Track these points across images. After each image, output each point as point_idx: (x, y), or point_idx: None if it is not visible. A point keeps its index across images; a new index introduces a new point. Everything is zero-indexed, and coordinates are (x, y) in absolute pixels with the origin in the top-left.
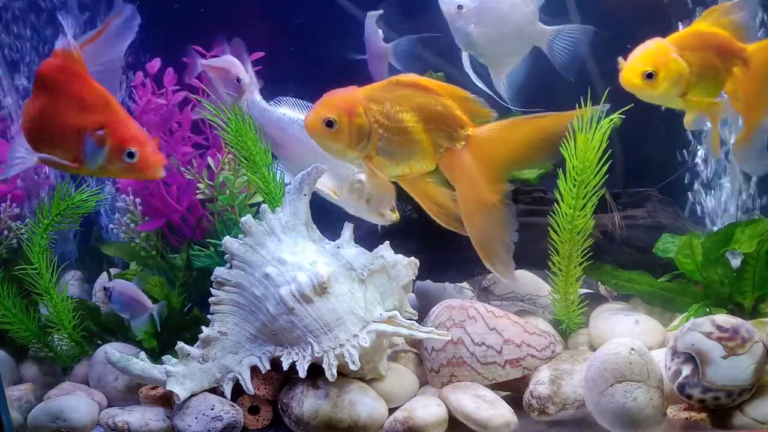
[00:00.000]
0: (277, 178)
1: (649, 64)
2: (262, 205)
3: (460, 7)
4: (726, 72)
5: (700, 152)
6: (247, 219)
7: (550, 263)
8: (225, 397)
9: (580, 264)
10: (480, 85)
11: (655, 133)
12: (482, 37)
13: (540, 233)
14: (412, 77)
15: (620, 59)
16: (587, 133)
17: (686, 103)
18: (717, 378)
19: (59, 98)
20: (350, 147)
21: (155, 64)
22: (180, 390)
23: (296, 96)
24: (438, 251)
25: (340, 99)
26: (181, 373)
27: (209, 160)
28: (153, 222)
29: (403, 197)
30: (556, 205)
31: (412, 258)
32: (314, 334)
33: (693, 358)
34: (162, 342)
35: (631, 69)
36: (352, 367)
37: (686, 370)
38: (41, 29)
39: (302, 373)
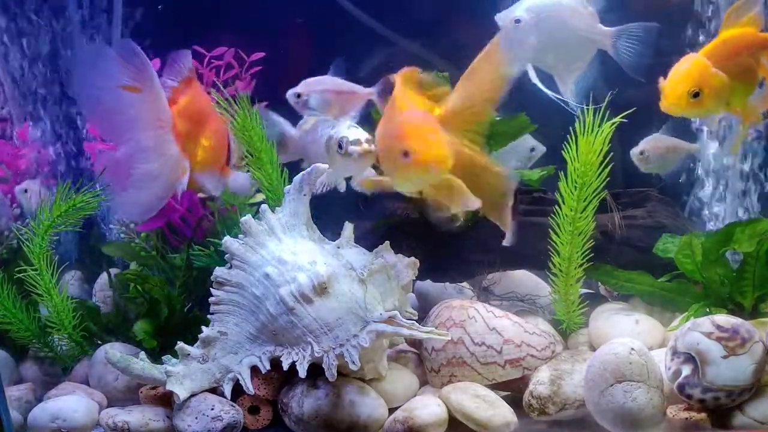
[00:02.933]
0: None
1: (692, 83)
2: (263, 205)
3: (518, 21)
4: (758, 66)
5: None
6: (247, 219)
7: (550, 264)
8: (225, 397)
9: (581, 265)
10: (551, 95)
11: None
12: (544, 47)
13: (540, 233)
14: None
15: (661, 79)
16: (589, 135)
17: (728, 109)
18: (717, 378)
19: None
20: None
21: (155, 63)
22: (180, 390)
23: None
24: (438, 251)
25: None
26: (181, 373)
27: None
28: (153, 222)
29: (402, 197)
30: (557, 206)
31: (412, 258)
32: (314, 334)
33: (693, 358)
34: (162, 342)
35: (675, 91)
36: (352, 367)
37: (686, 370)
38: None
39: (302, 373)
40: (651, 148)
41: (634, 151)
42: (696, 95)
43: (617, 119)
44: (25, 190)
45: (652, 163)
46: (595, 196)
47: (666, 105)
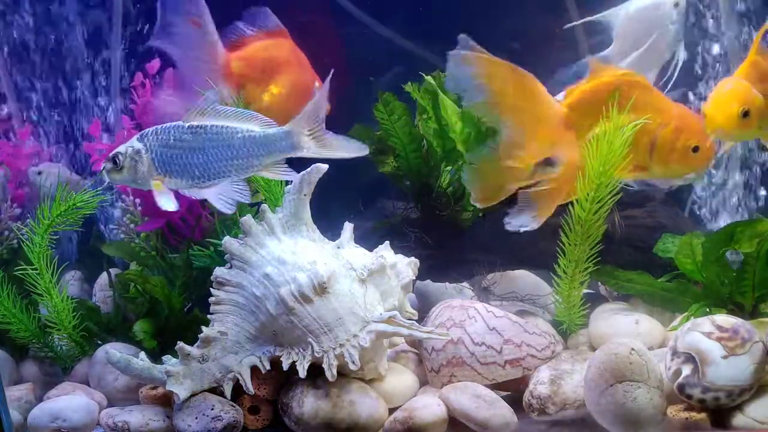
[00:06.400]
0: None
1: (742, 102)
2: (262, 205)
3: (676, 4)
4: None
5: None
6: (247, 219)
7: (555, 266)
8: (225, 397)
9: (587, 269)
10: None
11: None
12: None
13: (541, 233)
14: None
15: (703, 104)
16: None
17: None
18: (717, 378)
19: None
20: None
21: (155, 64)
22: (180, 390)
23: None
24: (438, 251)
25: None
26: (181, 373)
27: None
28: (153, 222)
29: (403, 196)
30: (570, 207)
31: (413, 258)
32: (314, 334)
33: (693, 358)
34: (162, 342)
35: (725, 111)
36: (352, 367)
37: (686, 370)
38: None
39: (302, 373)
40: None
41: None
42: (746, 114)
43: (640, 121)
44: (39, 172)
45: None
46: (610, 198)
47: (714, 127)
